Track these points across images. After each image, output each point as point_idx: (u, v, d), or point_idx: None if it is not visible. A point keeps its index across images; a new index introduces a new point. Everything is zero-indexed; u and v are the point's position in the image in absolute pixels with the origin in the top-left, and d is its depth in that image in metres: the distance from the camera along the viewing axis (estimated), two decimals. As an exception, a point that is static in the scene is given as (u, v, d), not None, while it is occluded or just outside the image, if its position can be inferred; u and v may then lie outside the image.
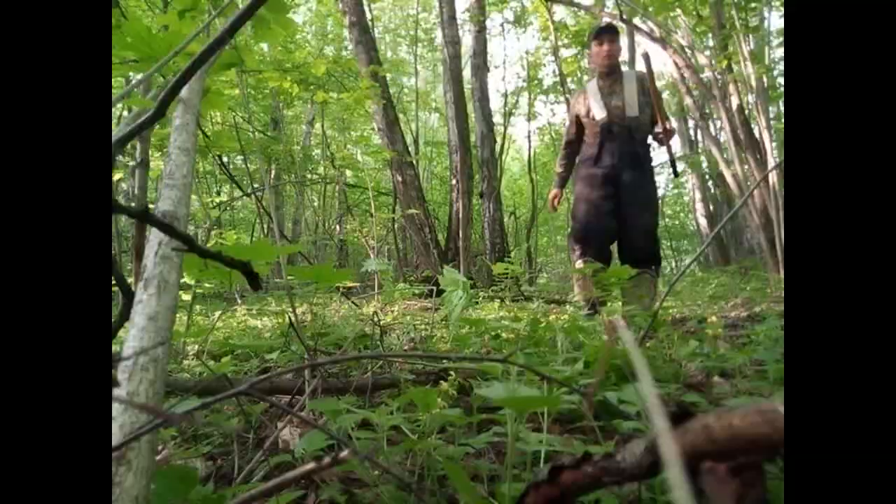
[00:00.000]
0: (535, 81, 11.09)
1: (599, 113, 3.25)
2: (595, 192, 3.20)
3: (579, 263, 3.17)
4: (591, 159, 3.27)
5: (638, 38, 9.02)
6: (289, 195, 11.20)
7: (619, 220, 3.16)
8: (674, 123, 3.45)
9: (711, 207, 12.53)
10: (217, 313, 3.53)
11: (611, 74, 3.27)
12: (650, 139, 3.33)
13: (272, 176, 8.59)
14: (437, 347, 1.93)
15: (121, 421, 0.49)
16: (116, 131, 0.64)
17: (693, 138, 13.16)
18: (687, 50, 6.52)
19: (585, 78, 10.01)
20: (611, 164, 3.19)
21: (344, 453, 0.37)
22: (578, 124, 3.40)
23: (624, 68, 3.36)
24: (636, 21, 6.40)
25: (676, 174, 3.32)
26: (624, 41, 9.52)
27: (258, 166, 6.08)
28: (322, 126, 9.14)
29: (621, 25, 6.58)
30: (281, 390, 1.22)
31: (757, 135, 5.86)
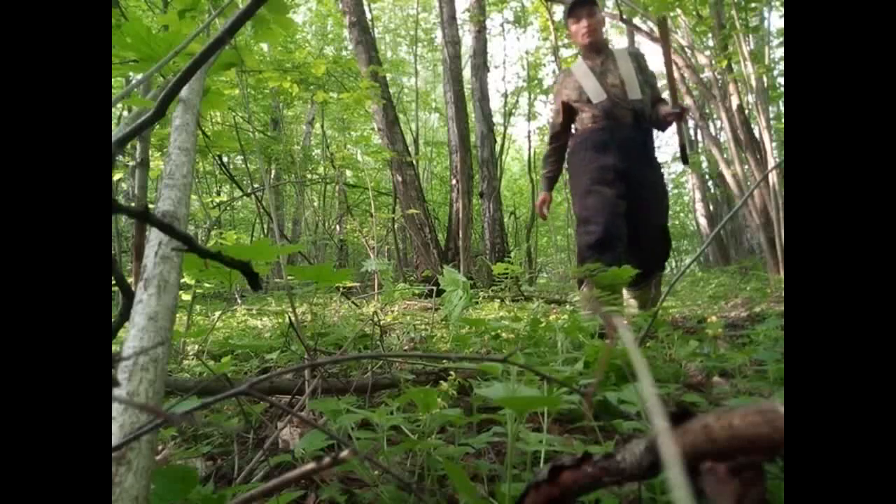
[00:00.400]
0: (535, 81, 11.10)
1: (597, 95, 2.72)
2: (609, 190, 2.66)
3: (585, 288, 2.70)
4: (598, 147, 2.72)
5: (638, 38, 9.03)
6: (289, 195, 11.21)
7: (633, 222, 2.67)
8: (687, 101, 2.94)
9: (711, 207, 12.54)
10: (217, 313, 3.53)
11: (599, 52, 2.77)
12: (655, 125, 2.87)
13: (272, 176, 8.60)
14: (437, 347, 1.93)
15: (121, 421, 0.49)
16: (116, 131, 0.64)
17: (693, 138, 13.18)
18: (687, 50, 6.52)
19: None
20: (620, 157, 2.67)
21: (344, 453, 0.37)
22: (567, 112, 2.85)
23: (612, 46, 2.86)
24: (636, 21, 6.39)
25: (686, 161, 2.85)
26: (623, 39, 9.54)
27: (258, 166, 6.08)
28: (322, 126, 9.14)
29: (621, 27, 6.58)
30: (281, 390, 1.22)
31: (757, 135, 5.86)
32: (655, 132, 2.87)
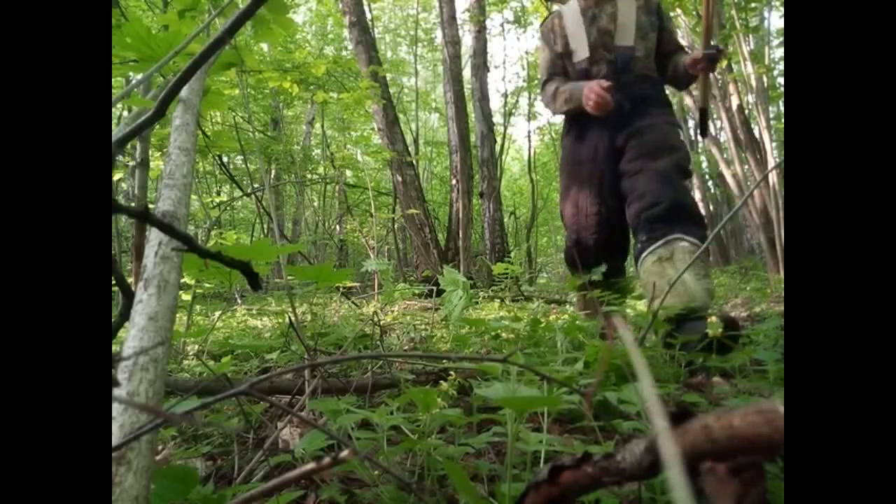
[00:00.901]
0: (535, 81, 11.09)
1: (581, 50, 2.17)
2: (584, 191, 2.17)
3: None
4: (575, 129, 2.22)
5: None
6: (289, 195, 11.21)
7: (625, 191, 2.05)
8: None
9: (711, 207, 12.53)
10: (217, 313, 3.53)
11: None
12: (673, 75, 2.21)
13: (272, 176, 8.61)
14: (437, 347, 1.93)
15: (121, 421, 0.49)
16: (116, 131, 0.64)
17: (693, 138, 13.17)
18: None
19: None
20: (597, 135, 2.14)
21: (344, 453, 0.37)
22: (563, 63, 2.27)
23: None
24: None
25: (706, 131, 2.23)
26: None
27: (258, 166, 6.08)
28: (322, 126, 9.15)
29: None
30: (281, 390, 1.22)
31: (757, 135, 5.86)
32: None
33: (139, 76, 1.21)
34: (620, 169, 2.08)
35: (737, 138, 5.93)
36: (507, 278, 4.32)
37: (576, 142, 2.23)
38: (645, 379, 0.25)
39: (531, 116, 11.30)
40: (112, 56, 0.99)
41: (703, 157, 11.75)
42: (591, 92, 2.02)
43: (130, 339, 0.57)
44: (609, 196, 2.13)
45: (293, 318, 1.38)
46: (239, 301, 4.56)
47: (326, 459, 0.37)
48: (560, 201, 2.33)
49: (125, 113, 4.98)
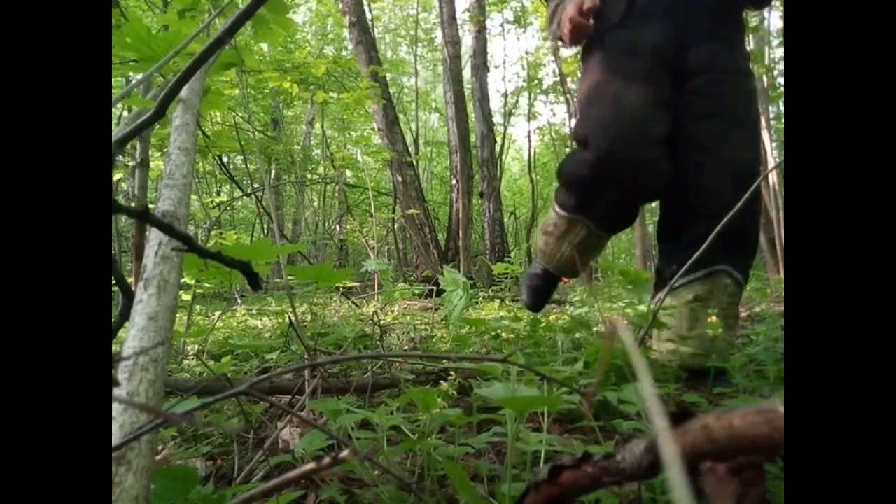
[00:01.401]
0: (535, 81, 11.10)
1: None
2: (634, 88, 1.40)
3: (560, 214, 1.59)
4: (625, 20, 1.48)
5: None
6: (289, 195, 11.22)
7: (685, 159, 1.42)
8: None
9: (711, 207, 12.49)
10: (217, 313, 3.53)
11: None
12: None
13: (272, 176, 8.61)
14: (437, 347, 1.93)
15: (121, 421, 0.49)
16: (116, 131, 0.64)
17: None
18: None
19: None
20: (669, 27, 1.44)
21: (344, 453, 0.37)
22: None
23: None
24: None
25: None
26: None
27: (258, 166, 6.08)
28: (322, 126, 9.15)
29: None
30: (281, 390, 1.22)
31: (757, 135, 5.86)
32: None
33: (139, 76, 1.21)
34: (682, 121, 1.43)
35: (737, 138, 5.93)
36: (507, 278, 4.32)
37: (634, 23, 1.47)
38: (645, 379, 0.25)
39: (531, 116, 11.31)
40: (112, 56, 0.99)
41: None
42: (567, 18, 1.46)
43: (130, 339, 0.57)
44: (660, 112, 1.42)
45: (293, 318, 1.38)
46: (239, 301, 4.56)
47: (326, 459, 0.37)
48: (584, 103, 1.51)
49: (125, 113, 4.98)
